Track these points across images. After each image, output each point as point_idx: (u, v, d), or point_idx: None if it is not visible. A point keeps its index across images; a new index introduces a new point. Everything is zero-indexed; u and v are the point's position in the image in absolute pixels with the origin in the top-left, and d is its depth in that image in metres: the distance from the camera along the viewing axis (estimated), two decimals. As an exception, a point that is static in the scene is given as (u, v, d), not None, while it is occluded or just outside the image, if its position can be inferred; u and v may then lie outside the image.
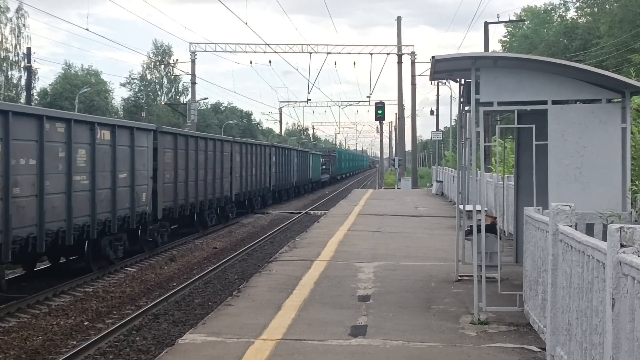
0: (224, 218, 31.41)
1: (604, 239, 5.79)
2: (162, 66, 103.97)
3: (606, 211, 8.96)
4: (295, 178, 50.73)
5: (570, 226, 7.16)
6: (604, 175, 9.59)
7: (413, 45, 54.27)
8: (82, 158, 16.93)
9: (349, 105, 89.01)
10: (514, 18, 64.05)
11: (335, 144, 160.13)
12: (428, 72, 38.01)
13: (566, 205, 7.37)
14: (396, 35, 54.66)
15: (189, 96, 65.67)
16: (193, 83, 56.51)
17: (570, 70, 9.94)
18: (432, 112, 72.05)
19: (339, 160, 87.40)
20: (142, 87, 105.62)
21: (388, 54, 53.43)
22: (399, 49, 53.64)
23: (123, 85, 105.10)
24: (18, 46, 75.03)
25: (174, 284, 17.42)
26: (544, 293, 8.11)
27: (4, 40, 74.22)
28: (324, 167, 71.88)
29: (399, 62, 53.78)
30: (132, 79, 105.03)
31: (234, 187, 32.23)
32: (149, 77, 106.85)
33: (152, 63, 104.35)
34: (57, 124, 15.83)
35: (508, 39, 74.40)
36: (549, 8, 71.25)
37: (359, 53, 53.81)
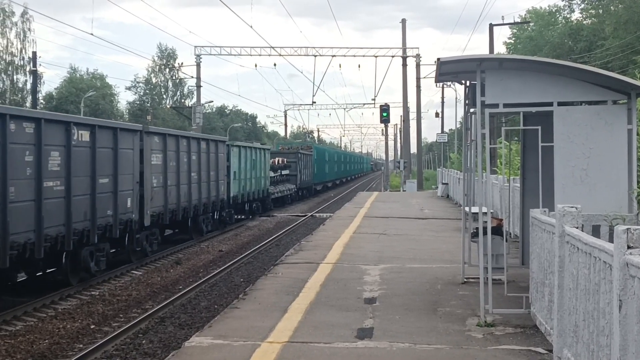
0: (221, 224, 29.75)
1: (611, 240, 5.78)
2: (167, 70, 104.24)
3: (612, 213, 8.95)
4: (181, 199, 23.86)
5: (577, 228, 7.16)
6: (610, 177, 9.58)
7: (418, 48, 54.29)
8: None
9: (354, 107, 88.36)
10: (518, 20, 63.82)
11: (340, 146, 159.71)
12: (433, 75, 37.96)
13: (572, 207, 7.36)
14: (401, 37, 54.73)
15: (194, 99, 65.84)
16: (198, 86, 56.60)
17: (575, 72, 9.93)
18: (437, 115, 71.99)
19: (320, 162, 60.99)
20: (147, 91, 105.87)
21: (393, 56, 53.43)
22: (404, 51, 53.64)
23: (128, 88, 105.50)
24: (23, 50, 75.37)
25: (180, 287, 17.43)
26: (550, 295, 8.10)
27: (9, 44, 74.55)
28: (283, 172, 45.91)
29: (404, 65, 53.78)
30: (137, 82, 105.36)
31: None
32: (154, 80, 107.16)
33: (157, 67, 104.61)
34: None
35: (513, 41, 74.33)
36: (553, 10, 71.22)
37: (363, 56, 53.80)
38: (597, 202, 9.26)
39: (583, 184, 9.58)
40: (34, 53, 57.91)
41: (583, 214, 7.66)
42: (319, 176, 60.16)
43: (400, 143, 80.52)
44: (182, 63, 72.28)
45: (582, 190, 9.53)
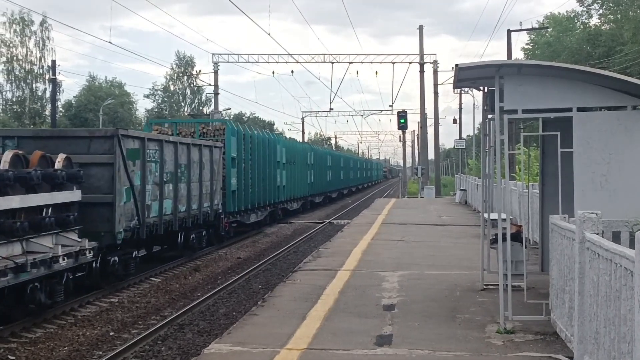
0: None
1: (632, 247, 5.75)
2: (185, 77, 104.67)
3: (632, 219, 8.89)
4: None
5: (597, 234, 7.12)
6: (630, 183, 9.53)
7: (435, 54, 54.41)
8: None
9: (372, 114, 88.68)
10: (536, 26, 63.78)
11: (358, 153, 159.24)
12: (450, 81, 37.97)
13: (592, 213, 7.33)
14: (418, 44, 54.73)
15: (212, 107, 66.04)
16: (216, 94, 56.83)
17: (594, 77, 9.89)
18: (454, 121, 71.92)
19: (256, 165, 30.96)
20: (165, 99, 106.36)
21: (410, 62, 53.46)
22: (421, 57, 53.63)
23: (147, 96, 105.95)
24: (42, 59, 75.86)
25: (199, 294, 17.45)
26: (571, 301, 8.06)
27: (28, 53, 75.04)
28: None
29: (421, 71, 53.77)
30: (156, 90, 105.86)
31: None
32: (172, 88, 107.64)
33: (175, 74, 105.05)
34: None
35: (531, 47, 74.05)
36: (571, 15, 70.87)
37: (380, 62, 53.87)
38: (618, 208, 9.21)
39: (603, 189, 9.54)
40: (53, 61, 58.31)
41: (603, 220, 7.62)
42: (247, 197, 29.09)
43: (418, 149, 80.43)
44: (200, 71, 72.92)
45: (602, 196, 9.48)
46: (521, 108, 9.95)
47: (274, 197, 34.63)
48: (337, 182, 60.29)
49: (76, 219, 14.85)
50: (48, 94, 73.29)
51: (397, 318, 10.43)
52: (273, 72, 60.27)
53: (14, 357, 11.67)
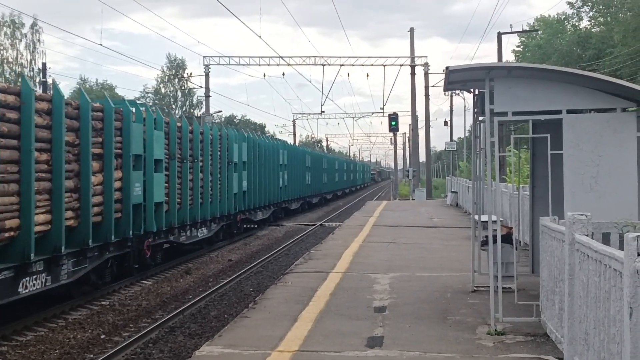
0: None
1: (621, 248, 5.78)
2: (176, 80, 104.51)
3: (622, 220, 8.93)
4: None
5: (587, 235, 7.15)
6: (619, 184, 9.57)
7: (426, 57, 54.33)
8: None
9: (363, 116, 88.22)
10: (527, 28, 63.84)
11: (349, 155, 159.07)
12: (441, 83, 38.07)
13: (582, 215, 7.36)
14: (409, 46, 54.79)
15: (203, 109, 65.97)
16: (207, 96, 56.75)
17: (584, 80, 9.93)
18: (445, 123, 72.02)
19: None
20: (156, 101, 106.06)
21: (401, 65, 53.52)
22: (412, 60, 53.70)
23: (137, 99, 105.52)
24: (33, 61, 75.60)
25: (190, 296, 17.43)
26: (561, 303, 8.09)
27: (19, 55, 74.82)
28: None
29: (412, 74, 53.84)
30: (147, 93, 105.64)
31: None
32: (163, 90, 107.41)
33: (166, 77, 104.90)
34: None
35: (521, 49, 74.22)
36: (562, 18, 71.06)
37: (372, 65, 53.91)
38: (607, 209, 9.24)
39: (593, 191, 9.58)
40: (44, 64, 58.19)
41: (593, 222, 7.65)
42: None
43: (409, 152, 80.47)
44: (191, 73, 72.94)
45: (591, 197, 9.52)
46: (511, 110, 9.98)
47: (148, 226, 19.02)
48: (300, 188, 44.38)
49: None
50: (38, 97, 72.99)
51: (388, 320, 10.45)
52: (264, 75, 60.12)
53: (4, 361, 11.64)
